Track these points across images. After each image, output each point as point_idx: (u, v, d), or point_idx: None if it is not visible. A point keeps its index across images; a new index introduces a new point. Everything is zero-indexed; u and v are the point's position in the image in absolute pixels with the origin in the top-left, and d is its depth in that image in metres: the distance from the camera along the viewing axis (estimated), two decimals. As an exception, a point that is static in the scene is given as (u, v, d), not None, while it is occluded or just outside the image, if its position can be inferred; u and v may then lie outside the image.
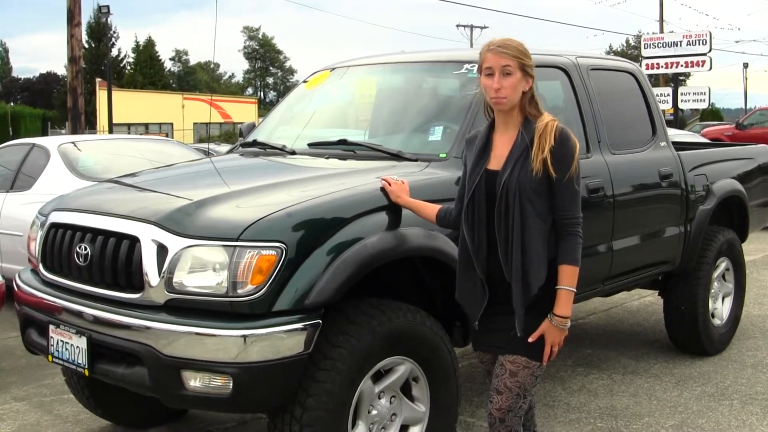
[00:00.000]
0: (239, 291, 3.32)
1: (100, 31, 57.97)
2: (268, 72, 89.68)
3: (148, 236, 3.54)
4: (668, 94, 26.85)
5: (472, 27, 53.79)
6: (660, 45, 26.72)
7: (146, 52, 67.51)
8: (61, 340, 3.83)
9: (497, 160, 3.19)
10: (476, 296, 3.24)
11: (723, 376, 5.80)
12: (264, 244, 3.35)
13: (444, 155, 4.26)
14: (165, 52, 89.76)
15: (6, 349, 6.62)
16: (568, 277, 3.13)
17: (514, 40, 3.19)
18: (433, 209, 3.61)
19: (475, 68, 4.60)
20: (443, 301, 4.11)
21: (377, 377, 3.70)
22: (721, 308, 6.47)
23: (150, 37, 70.97)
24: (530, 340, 3.14)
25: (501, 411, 3.20)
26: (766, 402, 5.25)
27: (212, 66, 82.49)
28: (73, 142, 8.54)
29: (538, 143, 3.09)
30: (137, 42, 68.42)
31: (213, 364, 3.31)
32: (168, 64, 79.67)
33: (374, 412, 3.71)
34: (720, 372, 5.88)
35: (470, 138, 3.40)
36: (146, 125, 47.81)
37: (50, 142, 8.55)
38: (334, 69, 5.57)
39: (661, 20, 39.23)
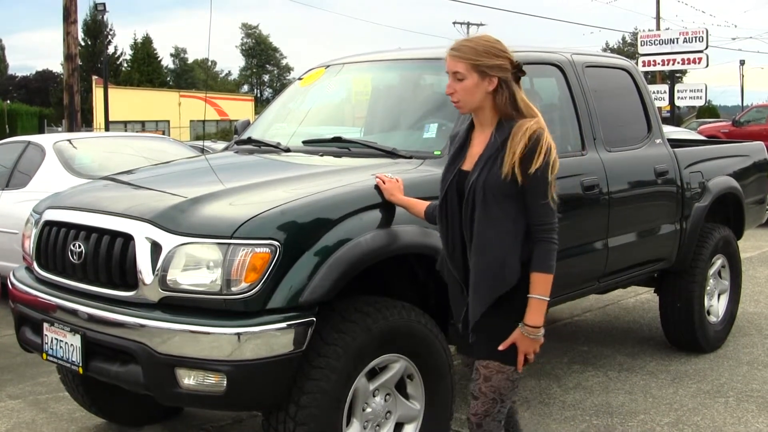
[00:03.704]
0: (233, 289, 3.32)
1: (97, 28, 57.97)
2: (264, 69, 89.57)
3: (142, 234, 3.53)
4: (665, 91, 26.82)
5: (468, 24, 53.72)
6: (656, 42, 26.70)
7: (144, 49, 67.46)
8: (56, 338, 3.83)
9: (471, 159, 3.10)
10: (457, 297, 3.20)
11: (718, 373, 5.80)
12: (258, 241, 3.34)
13: (439, 152, 4.25)
14: (164, 50, 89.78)
15: (1, 347, 6.61)
16: (539, 285, 2.99)
17: (474, 39, 3.05)
18: (424, 206, 3.60)
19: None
20: (438, 298, 4.11)
21: (372, 375, 3.70)
22: (716, 305, 6.48)
23: (147, 34, 70.99)
24: (501, 348, 3.01)
25: (477, 416, 3.12)
26: (761, 399, 5.26)
27: (209, 63, 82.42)
28: (68, 140, 8.53)
29: (510, 147, 2.95)
30: (135, 39, 68.47)
31: (207, 362, 3.31)
32: (167, 61, 79.77)
33: (369, 410, 3.71)
34: (715, 369, 5.88)
35: (454, 135, 3.36)
36: (143, 123, 47.76)
37: (46, 139, 8.54)
38: (329, 66, 5.56)
39: (658, 17, 39.24)
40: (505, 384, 3.08)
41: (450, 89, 3.06)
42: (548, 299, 3.02)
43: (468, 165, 3.09)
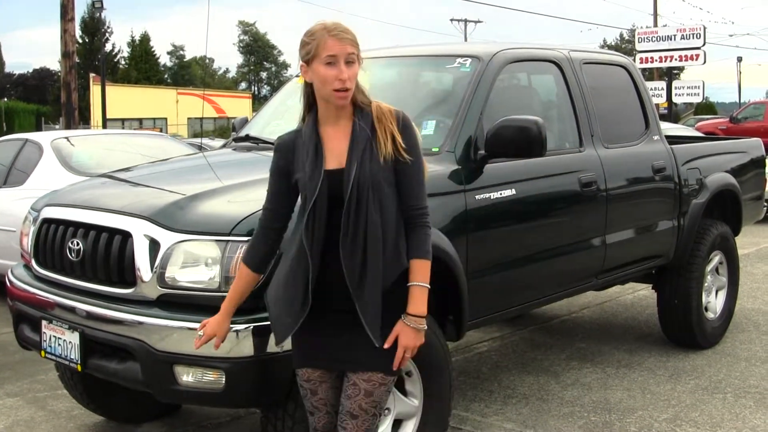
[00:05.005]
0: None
1: (94, 26, 57.94)
2: (261, 66, 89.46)
3: (140, 231, 3.54)
4: (662, 88, 26.83)
5: (465, 21, 53.78)
6: (654, 39, 26.70)
7: (141, 47, 67.40)
8: (54, 336, 3.83)
9: (336, 156, 2.81)
10: (294, 308, 2.81)
11: (716, 369, 5.81)
12: (256, 238, 3.34)
13: (437, 149, 4.25)
14: (162, 47, 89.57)
15: (-1, 345, 6.61)
16: (420, 272, 2.83)
17: (344, 25, 2.85)
18: (245, 279, 3.04)
19: (468, 62, 4.64)
20: (436, 295, 4.10)
21: (370, 372, 3.69)
22: (714, 302, 6.48)
23: (145, 32, 70.90)
24: (386, 345, 2.78)
25: None
26: (759, 395, 5.27)
27: (207, 61, 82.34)
28: (66, 137, 8.53)
29: (383, 127, 2.79)
30: (132, 37, 68.40)
31: (205, 359, 3.31)
32: (165, 59, 79.72)
33: (367, 406, 3.70)
34: (713, 365, 5.89)
35: (284, 142, 2.99)
36: (140, 120, 47.72)
37: (43, 137, 8.53)
38: (327, 63, 5.54)
39: (655, 14, 39.25)
40: (384, 396, 2.89)
41: (345, 74, 2.76)
42: (429, 287, 2.86)
43: (335, 164, 2.81)
